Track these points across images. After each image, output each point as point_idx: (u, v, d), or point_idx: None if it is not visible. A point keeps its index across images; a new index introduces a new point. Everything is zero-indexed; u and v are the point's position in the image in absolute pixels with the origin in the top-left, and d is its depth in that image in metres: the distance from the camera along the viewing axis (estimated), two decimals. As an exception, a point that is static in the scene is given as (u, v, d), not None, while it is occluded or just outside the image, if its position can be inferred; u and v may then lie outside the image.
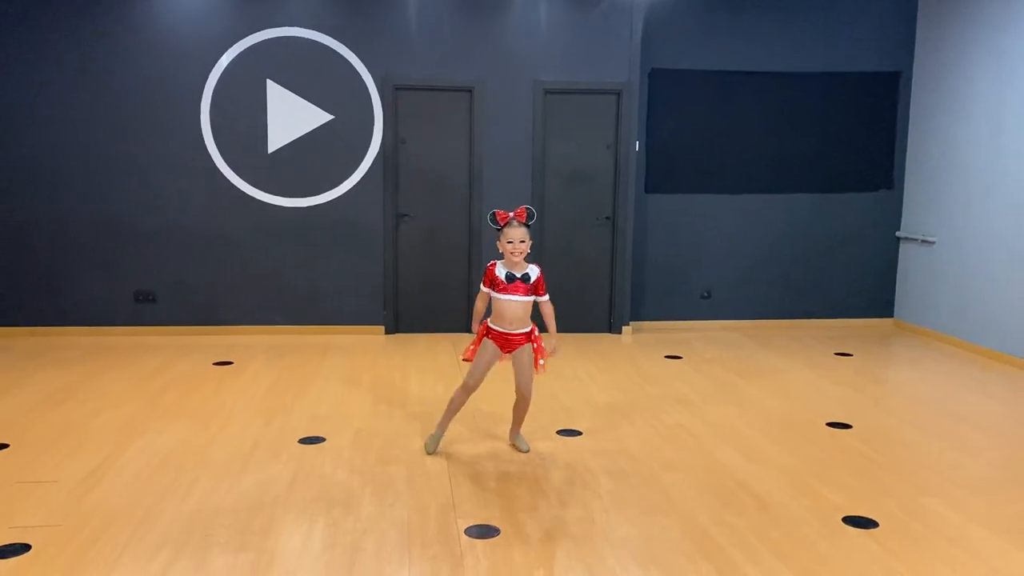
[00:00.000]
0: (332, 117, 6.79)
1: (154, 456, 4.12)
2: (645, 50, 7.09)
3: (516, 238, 4.02)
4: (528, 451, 4.31)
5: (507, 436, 4.47)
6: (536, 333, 4.21)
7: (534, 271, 4.13)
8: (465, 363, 4.29)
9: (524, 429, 4.46)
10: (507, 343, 4.13)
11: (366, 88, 6.79)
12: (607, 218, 7.19)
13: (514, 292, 4.06)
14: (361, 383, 5.54)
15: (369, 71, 6.77)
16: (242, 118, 6.71)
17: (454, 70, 6.86)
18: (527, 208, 4.10)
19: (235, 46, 6.64)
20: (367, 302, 7.04)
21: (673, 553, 3.19)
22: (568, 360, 6.26)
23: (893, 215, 7.69)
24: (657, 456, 4.26)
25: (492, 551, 3.19)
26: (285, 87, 6.71)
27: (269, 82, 6.69)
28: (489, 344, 4.15)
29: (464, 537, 3.30)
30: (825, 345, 6.92)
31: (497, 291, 4.09)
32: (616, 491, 3.80)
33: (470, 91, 6.91)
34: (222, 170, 6.74)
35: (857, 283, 7.74)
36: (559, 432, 4.60)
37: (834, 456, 4.31)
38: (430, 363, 6.13)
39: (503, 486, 3.84)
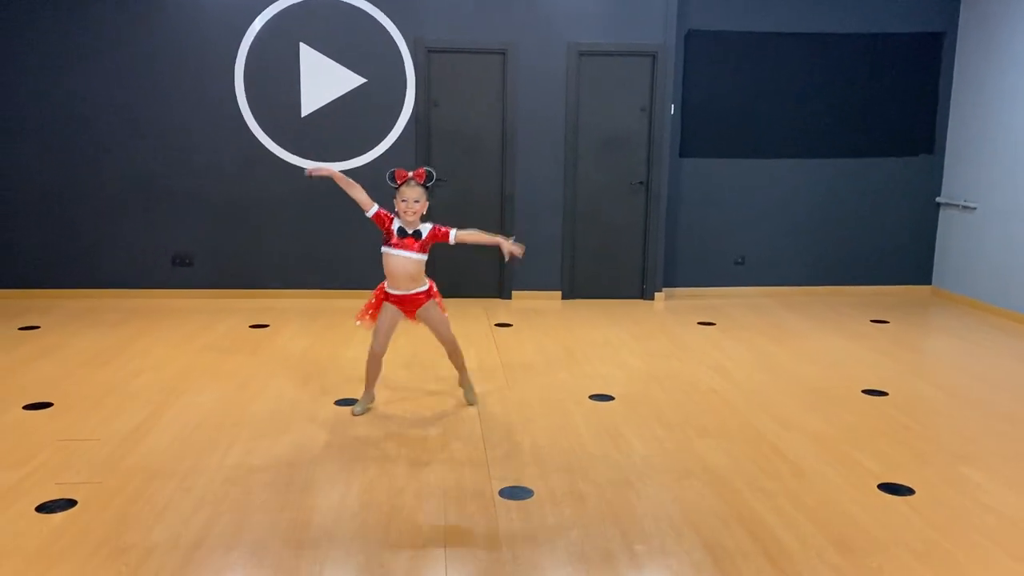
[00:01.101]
0: (365, 80, 6.77)
1: (194, 416, 4.20)
2: (682, 11, 6.97)
3: (411, 197, 4.03)
4: (474, 404, 4.36)
5: (550, 401, 4.49)
6: (435, 289, 4.26)
7: (426, 227, 4.10)
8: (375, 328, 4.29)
9: (556, 394, 4.48)
10: (407, 303, 4.17)
11: (399, 51, 6.76)
12: (640, 183, 7.12)
13: (404, 248, 4.06)
14: (394, 346, 5.55)
15: (402, 33, 6.73)
16: (276, 82, 6.71)
17: (487, 32, 6.80)
18: (427, 170, 4.12)
19: (268, 9, 6.62)
20: (400, 266, 7.05)
21: (707, 516, 3.20)
22: (600, 326, 6.26)
23: (933, 180, 7.53)
24: (691, 422, 4.25)
25: (526, 512, 3.22)
26: (318, 50, 6.70)
27: (302, 46, 6.68)
28: (388, 307, 4.19)
29: (498, 498, 3.33)
30: (861, 312, 6.84)
31: (388, 245, 4.08)
32: (650, 456, 3.80)
33: (503, 53, 6.85)
34: (256, 134, 6.77)
35: (894, 250, 7.61)
36: (591, 397, 4.61)
37: (870, 423, 4.28)
38: (461, 327, 6.14)
39: (536, 449, 3.86)
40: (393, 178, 4.09)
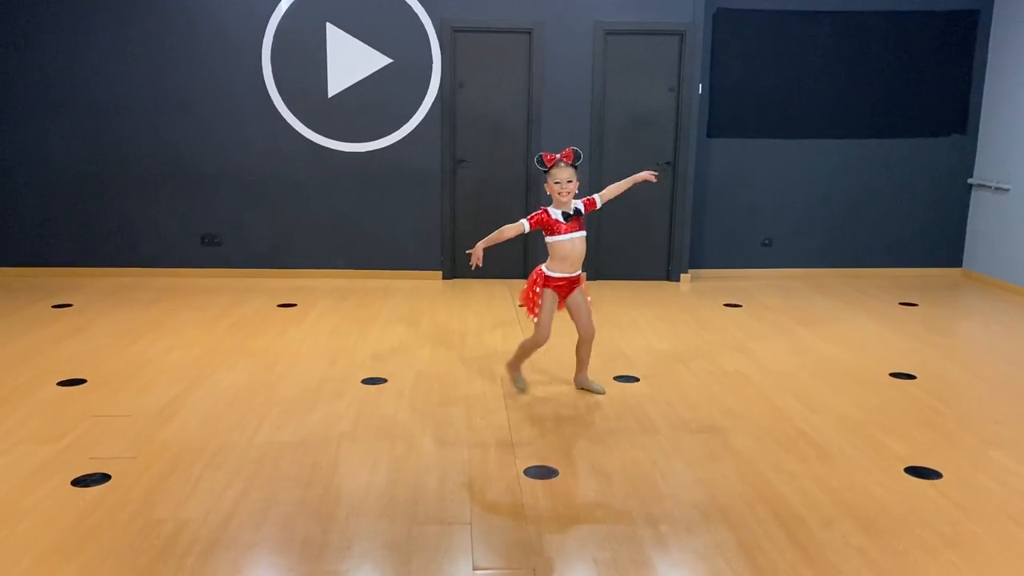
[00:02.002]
0: (391, 61, 6.77)
1: (224, 393, 4.26)
2: (710, -11, 6.90)
3: (564, 178, 4.05)
4: (603, 392, 4.35)
5: (569, 379, 4.51)
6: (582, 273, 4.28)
7: (578, 203, 4.14)
8: (525, 310, 4.29)
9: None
10: (568, 286, 4.18)
11: (425, 31, 6.74)
12: (667, 163, 7.08)
13: (575, 229, 4.10)
14: (420, 327, 5.62)
15: (428, 13, 6.71)
16: (302, 62, 6.73)
17: (513, 12, 6.76)
18: (574, 149, 4.10)
19: (295, -11, 6.65)
20: (425, 247, 7.09)
21: (731, 498, 3.21)
22: (625, 307, 6.25)
23: (965, 161, 7.42)
24: (716, 403, 4.25)
25: (551, 491, 3.24)
26: (345, 30, 6.70)
27: (329, 25, 6.68)
28: (548, 294, 4.17)
29: (523, 477, 3.36)
30: (889, 294, 6.78)
31: (560, 233, 4.07)
32: (675, 437, 3.81)
33: (529, 33, 6.82)
34: (284, 115, 6.80)
35: (924, 231, 7.52)
36: (616, 378, 4.62)
37: (897, 406, 4.25)
38: (487, 308, 6.18)
39: (561, 429, 3.88)
40: (542, 161, 4.10)
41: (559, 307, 4.25)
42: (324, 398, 4.23)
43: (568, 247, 4.09)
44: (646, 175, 4.31)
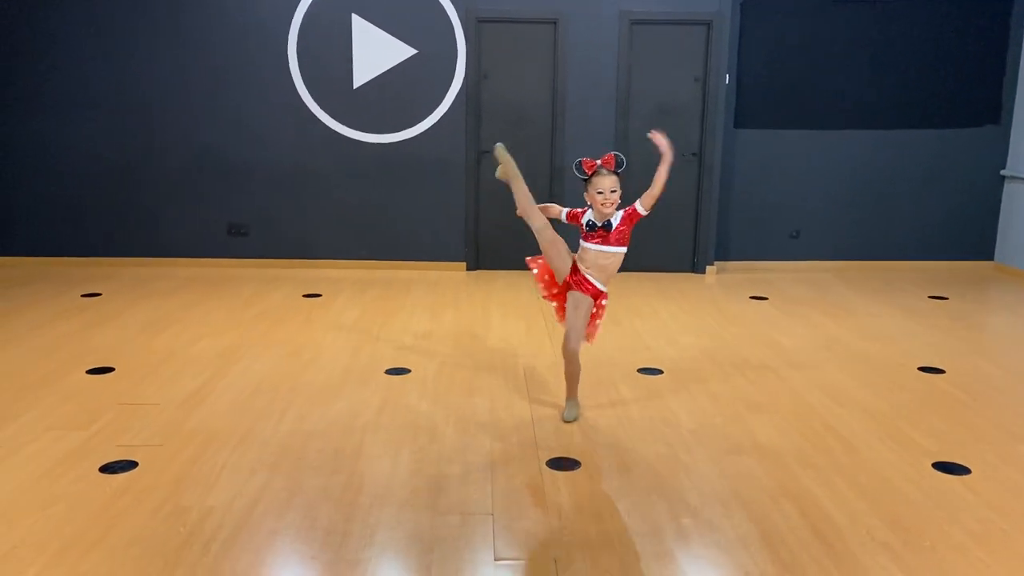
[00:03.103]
0: (416, 52, 6.77)
1: (250, 382, 4.30)
2: (738, -22, 6.82)
3: (607, 187, 3.65)
4: (568, 421, 3.86)
5: (592, 371, 4.48)
6: (604, 301, 3.88)
7: (617, 216, 3.73)
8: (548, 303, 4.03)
9: (604, 367, 4.45)
10: (581, 286, 3.79)
11: (450, 21, 6.73)
12: (694, 154, 7.02)
13: (598, 243, 3.73)
14: (444, 318, 5.63)
15: (453, 4, 6.70)
16: (328, 53, 6.75)
17: (538, 1, 6.73)
18: (615, 155, 3.72)
19: (321, -20, 6.66)
20: (449, 238, 7.09)
21: (755, 492, 3.18)
22: (649, 299, 6.22)
23: (998, 152, 7.29)
24: (741, 396, 4.22)
25: (573, 483, 3.24)
26: (370, 21, 6.71)
27: (355, 16, 6.69)
28: (575, 295, 3.82)
29: (546, 469, 3.36)
30: (919, 287, 6.68)
31: (584, 240, 3.79)
32: (698, 430, 3.79)
33: (554, 23, 6.78)
34: (309, 106, 6.83)
35: (955, 224, 7.40)
36: (640, 371, 4.60)
37: (925, 401, 4.19)
38: (511, 300, 6.18)
39: (584, 421, 3.87)
40: (581, 168, 3.72)
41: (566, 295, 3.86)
42: (348, 388, 4.25)
43: (590, 256, 3.76)
44: (659, 140, 3.81)
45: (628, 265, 7.03)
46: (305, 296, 6.14)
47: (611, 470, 3.36)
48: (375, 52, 6.75)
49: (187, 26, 6.68)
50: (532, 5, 6.74)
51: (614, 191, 3.69)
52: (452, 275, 6.96)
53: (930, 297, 6.38)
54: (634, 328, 5.41)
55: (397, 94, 6.82)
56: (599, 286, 3.82)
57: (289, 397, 4.10)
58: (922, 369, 4.68)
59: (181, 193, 6.96)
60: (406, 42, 6.75)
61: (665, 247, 7.17)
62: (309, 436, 3.64)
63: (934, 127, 7.21)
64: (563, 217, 3.87)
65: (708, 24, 6.79)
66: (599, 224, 3.74)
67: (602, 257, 3.76)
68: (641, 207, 3.74)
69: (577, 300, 3.82)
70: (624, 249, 3.79)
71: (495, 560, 2.70)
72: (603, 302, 3.89)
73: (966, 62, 7.11)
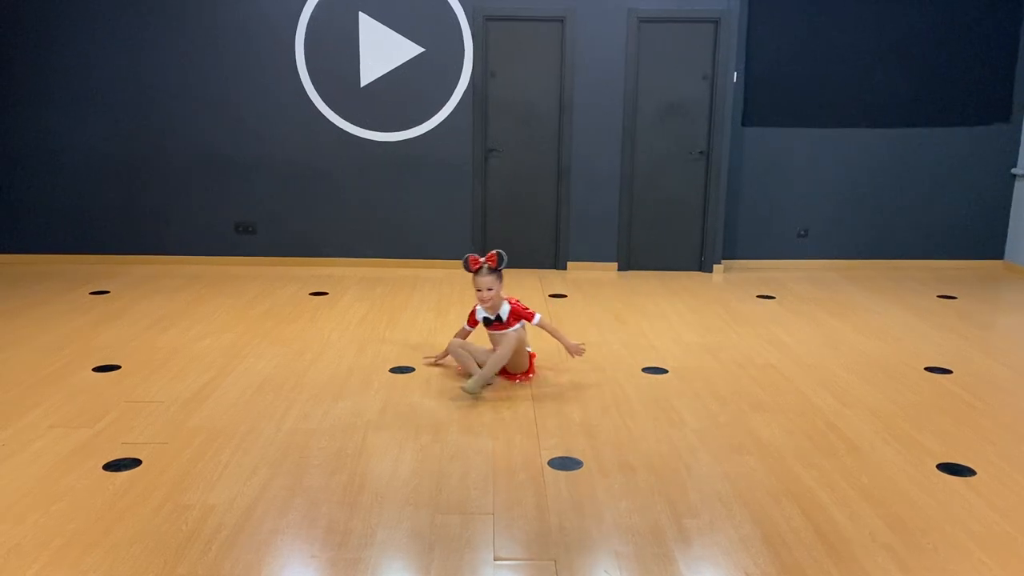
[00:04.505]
0: (423, 50, 6.77)
1: (254, 380, 4.31)
2: (746, -24, 6.79)
3: (483, 286, 4.16)
4: (468, 393, 4.05)
5: (598, 372, 4.49)
6: (533, 370, 4.40)
7: (505, 309, 4.22)
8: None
9: (609, 366, 4.45)
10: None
11: (457, 19, 6.73)
12: (701, 153, 7.00)
13: (492, 329, 4.28)
14: (449, 316, 5.63)
15: (460, 2, 6.70)
16: (335, 52, 6.76)
17: None
18: (498, 253, 4.20)
19: (328, -22, 6.67)
20: (455, 236, 7.09)
21: (757, 492, 3.17)
22: (655, 298, 6.20)
23: (1008, 151, 7.23)
24: (746, 396, 4.20)
25: (575, 482, 3.23)
26: (377, 19, 6.71)
27: (361, 14, 6.70)
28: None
29: (548, 468, 3.35)
30: (927, 287, 6.64)
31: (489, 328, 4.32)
32: (702, 429, 3.78)
33: (562, 21, 6.77)
34: (316, 104, 6.84)
35: (965, 223, 7.36)
36: (644, 370, 4.59)
37: (932, 402, 4.17)
38: (517, 298, 6.15)
39: (587, 420, 3.86)
40: (467, 264, 4.22)
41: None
42: (352, 386, 4.26)
43: (496, 338, 4.26)
44: (576, 350, 4.33)
45: (635, 263, 7.12)
46: (312, 294, 6.15)
47: (613, 470, 3.35)
48: (382, 50, 6.76)
49: (195, 24, 6.70)
50: (540, 3, 6.73)
51: (490, 289, 4.17)
52: (458, 273, 6.95)
53: (939, 296, 6.35)
54: (640, 327, 5.40)
55: (404, 92, 6.83)
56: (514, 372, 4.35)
57: (292, 395, 4.11)
58: (929, 369, 4.65)
59: (188, 191, 6.99)
60: (413, 40, 6.75)
61: (672, 245, 7.15)
62: (312, 434, 3.65)
63: (944, 125, 7.17)
64: (468, 329, 4.42)
65: (716, 22, 6.76)
66: (492, 319, 4.24)
67: (511, 336, 4.21)
68: (537, 322, 4.29)
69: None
70: (519, 327, 4.26)
71: (495, 560, 2.70)
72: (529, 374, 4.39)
73: (976, 60, 7.06)
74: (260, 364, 4.57)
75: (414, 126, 6.89)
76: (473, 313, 4.37)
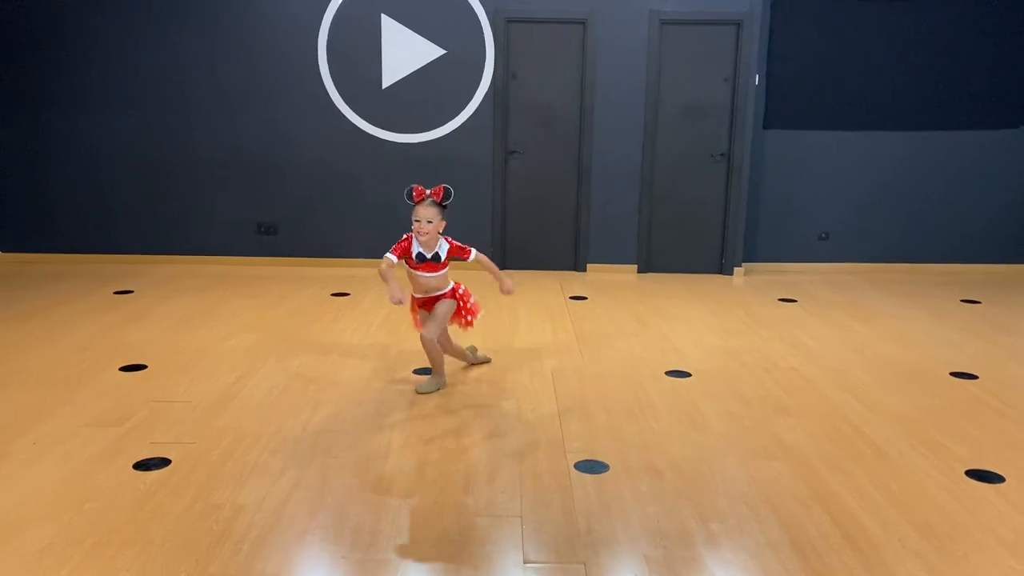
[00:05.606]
0: (444, 52, 6.79)
1: (279, 381, 4.34)
2: (768, -22, 6.77)
3: (424, 217, 3.99)
4: (421, 393, 4.16)
5: (622, 375, 4.49)
6: (461, 291, 4.26)
7: (443, 248, 4.11)
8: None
9: (631, 369, 4.44)
10: (431, 304, 4.22)
11: (478, 21, 6.75)
12: (722, 155, 6.98)
13: (428, 271, 4.12)
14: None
15: (482, 4, 6.71)
16: (358, 54, 6.79)
17: (568, 1, 6.72)
18: (445, 187, 4.02)
19: (351, -19, 6.70)
20: (475, 238, 7.07)
21: (785, 497, 3.16)
22: (677, 301, 6.20)
23: (1034, 154, 7.19)
24: (770, 400, 4.19)
25: (602, 486, 3.24)
26: (399, 22, 6.74)
27: (384, 17, 6.73)
28: (422, 313, 4.27)
29: (574, 471, 3.36)
30: (950, 291, 6.60)
31: (410, 266, 4.15)
32: (727, 433, 3.77)
33: (583, 23, 6.77)
34: (338, 106, 6.87)
35: (989, 226, 7.31)
36: (667, 373, 4.58)
37: (958, 407, 4.14)
38: (537, 300, 6.18)
39: (611, 424, 3.87)
40: (411, 196, 4.04)
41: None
42: (376, 387, 4.28)
43: (415, 279, 4.16)
44: (508, 287, 4.31)
45: (655, 266, 7.11)
46: (333, 295, 6.18)
47: (640, 473, 3.35)
48: (404, 52, 6.78)
49: (219, 26, 6.75)
50: (561, 5, 6.73)
51: (430, 222, 4.00)
52: (479, 275, 6.94)
53: (962, 301, 6.31)
54: (661, 330, 5.40)
55: (426, 94, 6.85)
56: (437, 294, 4.21)
57: (317, 396, 4.14)
58: (954, 374, 4.62)
59: (211, 191, 7.04)
60: (435, 42, 6.77)
61: (693, 248, 7.14)
62: (338, 435, 3.67)
63: (967, 128, 7.12)
64: (394, 259, 4.09)
65: (738, 24, 6.74)
66: (428, 256, 4.09)
67: (431, 280, 4.14)
68: (474, 257, 4.21)
69: (426, 316, 4.24)
70: (446, 271, 4.17)
71: (524, 563, 2.70)
72: (464, 298, 4.26)
73: (1001, 62, 7.01)
74: (284, 364, 4.60)
75: (435, 128, 6.91)
76: (406, 247, 4.10)
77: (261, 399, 4.08)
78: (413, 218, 4.03)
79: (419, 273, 4.15)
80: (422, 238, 4.04)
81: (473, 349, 4.67)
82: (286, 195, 7.04)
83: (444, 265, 4.15)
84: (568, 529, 2.91)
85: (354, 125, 6.90)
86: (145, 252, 7.12)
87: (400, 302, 3.96)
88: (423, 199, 4.02)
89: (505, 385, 4.37)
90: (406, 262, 4.16)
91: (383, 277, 4.03)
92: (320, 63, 6.80)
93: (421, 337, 4.19)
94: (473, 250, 4.24)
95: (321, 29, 6.75)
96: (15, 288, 6.20)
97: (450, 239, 4.18)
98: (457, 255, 4.18)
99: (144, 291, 6.16)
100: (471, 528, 2.91)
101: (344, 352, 4.84)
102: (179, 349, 4.83)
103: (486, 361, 4.70)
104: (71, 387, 4.18)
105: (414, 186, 4.06)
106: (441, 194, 4.02)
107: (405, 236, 4.14)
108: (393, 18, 6.73)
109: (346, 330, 5.29)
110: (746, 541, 2.86)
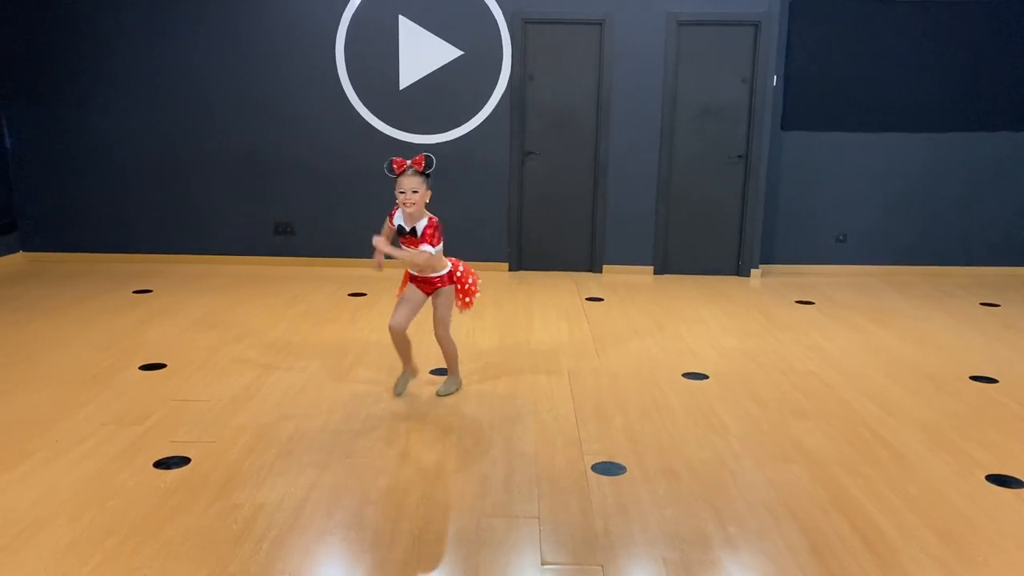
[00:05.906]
0: (462, 53, 6.80)
1: (296, 380, 4.36)
2: (787, -22, 6.74)
3: (408, 187, 3.79)
4: (441, 395, 4.16)
5: (640, 376, 4.48)
6: (460, 272, 4.07)
7: (422, 224, 3.86)
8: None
9: (648, 371, 4.43)
10: (426, 285, 4.05)
11: (496, 22, 6.75)
12: (740, 156, 6.96)
13: (405, 243, 3.94)
14: (486, 319, 5.65)
15: (499, 5, 6.72)
16: (375, 55, 6.81)
17: (585, 2, 6.72)
18: (426, 156, 3.83)
19: (368, -18, 6.72)
20: (492, 239, 7.12)
21: (804, 500, 3.15)
22: (693, 303, 6.18)
23: (1055, 156, 7.12)
24: (788, 403, 4.18)
25: (619, 488, 3.23)
26: (417, 23, 6.75)
27: (401, 18, 6.74)
28: (410, 287, 4.08)
29: (591, 473, 3.36)
30: (970, 294, 6.55)
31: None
32: (745, 436, 3.76)
33: (600, 24, 6.77)
34: (356, 106, 6.90)
35: (1009, 229, 7.24)
36: (685, 375, 4.57)
37: (978, 411, 4.11)
38: (553, 301, 6.18)
39: (628, 425, 3.86)
40: (391, 168, 3.86)
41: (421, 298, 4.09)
42: (393, 387, 4.29)
43: (403, 254, 3.89)
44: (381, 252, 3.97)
45: (672, 267, 7.09)
46: (350, 295, 6.20)
47: (657, 476, 3.35)
48: (421, 53, 6.80)
49: (238, 27, 6.78)
50: (578, 6, 6.73)
51: (415, 191, 3.81)
52: (495, 275, 6.98)
53: (981, 304, 6.26)
54: (678, 332, 5.38)
55: (443, 95, 6.86)
56: (432, 276, 4.03)
57: (335, 396, 4.15)
58: (974, 378, 4.59)
59: (230, 192, 7.08)
60: (452, 43, 6.79)
61: (710, 250, 7.12)
62: (356, 435, 3.68)
63: (987, 130, 7.06)
64: (386, 226, 4.02)
65: (756, 25, 6.72)
66: (407, 230, 3.92)
67: (416, 257, 3.88)
68: (421, 251, 3.84)
69: (409, 292, 4.08)
70: (431, 248, 3.86)
71: (542, 564, 2.71)
72: (461, 282, 4.08)
73: (1020, 63, 6.94)
74: (302, 364, 4.62)
75: (452, 128, 6.92)
76: (393, 214, 4.00)
77: (279, 399, 4.10)
78: (397, 191, 3.82)
79: (403, 247, 3.96)
80: (408, 209, 3.84)
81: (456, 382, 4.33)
82: (304, 195, 7.07)
83: (420, 242, 3.87)
84: (586, 531, 2.92)
85: (371, 126, 6.92)
86: (164, 252, 7.17)
87: (380, 268, 3.99)
88: (404, 170, 3.84)
89: (522, 386, 4.37)
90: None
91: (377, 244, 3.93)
92: (338, 64, 6.83)
93: (389, 326, 4.04)
94: (427, 248, 3.85)
95: (339, 30, 6.77)
96: (36, 287, 6.26)
97: (434, 220, 3.90)
98: (423, 241, 3.86)
99: (163, 291, 6.20)
100: (489, 529, 2.92)
101: (361, 352, 4.86)
102: (197, 348, 4.86)
103: (448, 393, 4.25)
104: (91, 386, 4.22)
105: (393, 158, 3.87)
106: (423, 162, 3.82)
107: (393, 208, 4.01)
108: (410, 19, 6.75)
109: (363, 330, 5.31)
110: (764, 545, 2.85)
